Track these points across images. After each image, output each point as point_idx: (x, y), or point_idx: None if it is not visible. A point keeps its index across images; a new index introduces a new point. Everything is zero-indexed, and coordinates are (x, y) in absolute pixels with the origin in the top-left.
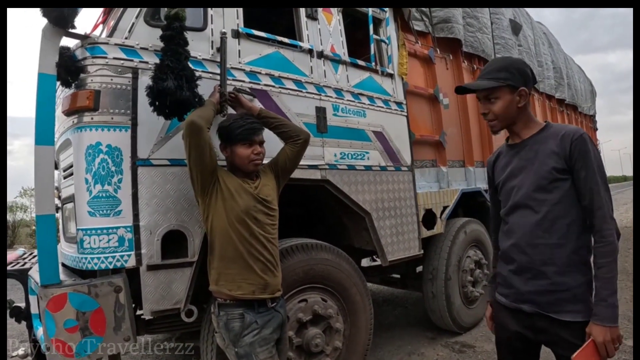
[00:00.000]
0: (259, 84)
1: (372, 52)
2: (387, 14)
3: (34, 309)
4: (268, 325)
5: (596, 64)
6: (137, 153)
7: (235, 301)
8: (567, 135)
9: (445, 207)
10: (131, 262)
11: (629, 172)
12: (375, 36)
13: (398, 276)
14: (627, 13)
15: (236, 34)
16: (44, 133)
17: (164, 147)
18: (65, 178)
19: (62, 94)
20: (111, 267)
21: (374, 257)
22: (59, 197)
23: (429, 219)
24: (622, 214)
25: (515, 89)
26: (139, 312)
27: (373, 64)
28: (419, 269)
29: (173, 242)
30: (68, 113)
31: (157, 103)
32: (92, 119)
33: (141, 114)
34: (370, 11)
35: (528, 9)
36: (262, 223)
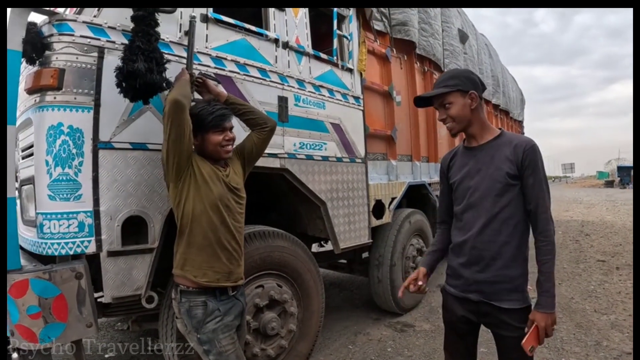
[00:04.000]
0: (224, 69)
1: (335, 46)
2: (351, 11)
3: None
4: (230, 313)
5: (523, 75)
6: (99, 135)
7: (198, 288)
8: (520, 144)
9: (393, 198)
10: (91, 248)
11: (548, 172)
12: (338, 32)
13: (345, 261)
14: (553, 34)
15: (205, 19)
16: (6, 112)
17: (126, 130)
18: (23, 159)
19: (25, 71)
20: (71, 252)
21: (322, 242)
22: (17, 178)
23: (378, 209)
24: None
25: (465, 93)
26: (96, 295)
27: (335, 58)
28: (365, 255)
29: (133, 228)
30: (31, 91)
31: (124, 84)
32: (54, 98)
33: (104, 95)
34: (335, 7)
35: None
36: (233, 211)
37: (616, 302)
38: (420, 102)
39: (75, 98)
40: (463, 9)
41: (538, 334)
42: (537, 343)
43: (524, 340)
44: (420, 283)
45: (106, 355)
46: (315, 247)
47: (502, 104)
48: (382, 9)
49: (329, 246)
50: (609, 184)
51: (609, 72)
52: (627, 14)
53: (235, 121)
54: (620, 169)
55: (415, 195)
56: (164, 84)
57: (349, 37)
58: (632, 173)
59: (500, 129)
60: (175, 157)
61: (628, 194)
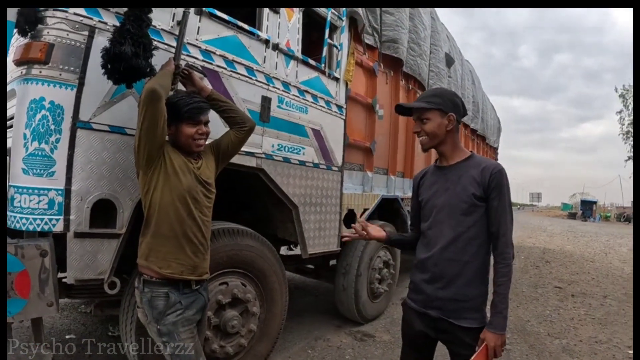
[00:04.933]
0: (211, 63)
1: (324, 54)
2: (344, 22)
3: None
4: (191, 307)
5: (502, 105)
6: (79, 114)
7: (161, 279)
8: (488, 168)
9: (365, 209)
10: (59, 227)
11: (517, 199)
12: (329, 40)
13: (312, 267)
14: (534, 69)
15: (199, 11)
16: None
17: (107, 112)
18: None
19: (16, 42)
20: (39, 229)
21: (292, 246)
22: None
23: (350, 218)
24: None
25: (445, 114)
26: (60, 275)
27: (323, 65)
28: (333, 262)
29: (102, 212)
30: (18, 63)
31: (109, 66)
32: (40, 72)
33: (89, 75)
34: (329, 17)
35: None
36: (200, 204)
37: (569, 328)
38: (401, 110)
39: (60, 74)
40: (452, 35)
41: (487, 353)
42: None
43: (471, 358)
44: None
45: (67, 336)
46: (284, 250)
47: (480, 130)
48: (374, 24)
49: (297, 250)
50: (572, 215)
51: (582, 111)
52: (602, 59)
53: (216, 117)
54: (584, 202)
55: (387, 209)
56: (148, 70)
57: (339, 47)
58: (594, 207)
59: (471, 151)
60: (147, 146)
61: (588, 226)
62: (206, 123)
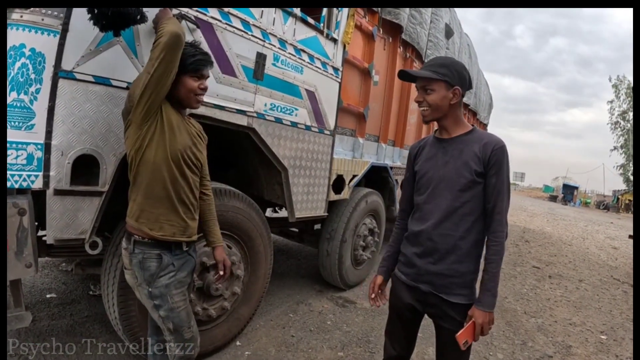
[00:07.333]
0: (205, 14)
1: (323, 14)
2: None
3: None
4: (183, 269)
5: (493, 83)
6: (62, 63)
7: (153, 241)
8: (490, 143)
9: (354, 176)
10: (38, 184)
11: None
12: None
13: (296, 230)
14: (528, 50)
15: None
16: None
17: (92, 61)
18: None
19: None
20: (16, 186)
21: (277, 208)
22: None
23: (338, 183)
24: None
25: (451, 86)
26: (40, 233)
27: (321, 25)
28: (317, 227)
29: (84, 168)
30: None
31: (96, 11)
32: (21, 16)
33: (74, 21)
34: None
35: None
36: (193, 164)
37: (545, 308)
38: (405, 77)
39: (42, 19)
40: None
41: (474, 329)
42: (472, 339)
43: (458, 333)
44: (378, 304)
45: (47, 295)
46: (268, 212)
47: (472, 105)
48: None
49: (283, 213)
50: (553, 198)
51: (571, 97)
52: (597, 48)
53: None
54: (566, 187)
55: (375, 176)
56: (138, 17)
57: (339, 8)
58: (575, 192)
59: (472, 125)
60: (152, 94)
61: (568, 210)
62: (207, 78)
